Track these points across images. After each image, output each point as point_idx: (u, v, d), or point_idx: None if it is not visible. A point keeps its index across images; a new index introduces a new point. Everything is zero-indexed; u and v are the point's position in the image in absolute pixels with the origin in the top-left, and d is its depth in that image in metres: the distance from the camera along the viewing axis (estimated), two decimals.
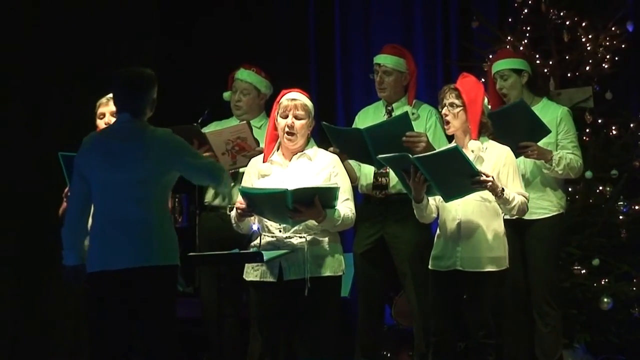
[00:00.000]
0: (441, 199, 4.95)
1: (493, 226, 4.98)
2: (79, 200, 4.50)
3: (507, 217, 5.11)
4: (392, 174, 5.27)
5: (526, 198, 4.99)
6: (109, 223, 4.39)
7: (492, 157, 5.00)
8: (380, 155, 4.90)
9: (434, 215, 5.07)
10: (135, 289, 4.36)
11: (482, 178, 4.77)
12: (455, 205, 4.96)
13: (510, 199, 4.89)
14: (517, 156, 5.33)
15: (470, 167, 4.74)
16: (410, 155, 4.77)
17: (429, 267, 5.10)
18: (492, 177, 4.81)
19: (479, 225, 4.96)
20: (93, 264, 4.42)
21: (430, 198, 4.97)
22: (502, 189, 4.86)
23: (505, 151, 5.05)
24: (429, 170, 4.75)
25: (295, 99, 4.94)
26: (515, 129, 5.27)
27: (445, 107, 5.03)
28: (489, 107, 5.11)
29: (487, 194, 4.90)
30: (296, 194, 4.64)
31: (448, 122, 5.04)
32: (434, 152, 4.85)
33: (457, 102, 5.00)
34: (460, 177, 4.77)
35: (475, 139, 4.99)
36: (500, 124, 5.23)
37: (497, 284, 5.01)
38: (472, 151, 4.97)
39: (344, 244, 5.05)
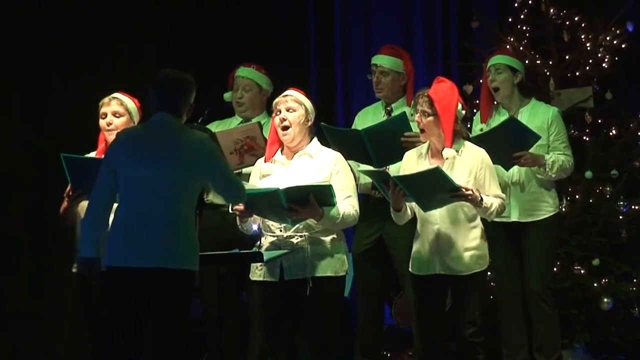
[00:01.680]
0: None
1: (472, 228, 5.00)
2: (103, 195, 4.45)
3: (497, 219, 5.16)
4: (391, 173, 5.27)
5: (503, 199, 5.02)
6: (134, 220, 4.35)
7: (469, 161, 4.98)
8: (361, 169, 4.92)
9: (410, 217, 5.09)
10: (153, 289, 4.32)
11: (461, 192, 4.77)
12: (433, 211, 4.96)
13: (489, 206, 4.89)
14: (510, 167, 5.36)
15: (450, 183, 4.75)
16: (390, 174, 4.80)
17: (409, 269, 5.11)
18: (472, 190, 4.80)
19: (459, 230, 4.97)
20: (113, 258, 4.37)
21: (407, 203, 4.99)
22: (481, 198, 4.86)
23: (482, 154, 5.04)
24: (408, 187, 4.77)
25: (286, 94, 4.98)
26: (505, 143, 5.29)
27: (418, 115, 5.00)
28: (463, 112, 5.07)
29: None
30: (288, 193, 4.65)
31: (423, 130, 5.00)
32: (414, 173, 4.86)
33: (428, 110, 4.95)
34: (439, 192, 4.79)
35: (449, 147, 4.96)
36: (488, 142, 5.22)
37: (482, 283, 5.06)
38: (447, 159, 4.95)
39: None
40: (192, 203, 4.46)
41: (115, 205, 4.48)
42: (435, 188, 4.77)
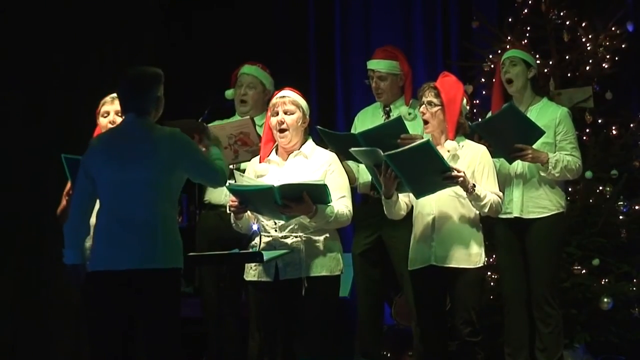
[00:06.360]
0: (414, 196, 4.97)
1: (468, 223, 5.01)
2: (82, 199, 4.46)
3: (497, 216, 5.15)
4: None
5: (500, 198, 5.02)
6: (115, 223, 4.36)
7: (468, 155, 5.02)
8: (352, 149, 4.90)
9: (404, 213, 5.09)
10: (139, 290, 4.33)
11: (453, 173, 4.77)
12: (430, 200, 4.97)
13: (481, 196, 4.91)
14: (512, 161, 5.34)
15: (441, 162, 4.75)
16: (381, 152, 4.76)
17: (408, 268, 5.13)
18: (464, 173, 4.82)
19: (454, 222, 4.99)
20: (97, 262, 4.38)
21: (402, 195, 4.99)
22: (473, 185, 4.87)
23: (482, 150, 5.08)
24: (399, 167, 4.74)
25: (283, 95, 4.96)
26: (507, 134, 5.25)
27: (423, 106, 5.03)
28: (467, 107, 5.13)
29: (461, 190, 4.91)
30: (283, 190, 4.64)
31: (426, 122, 5.04)
32: (404, 148, 4.81)
33: (435, 100, 5.01)
34: (431, 173, 4.78)
35: (452, 139, 4.99)
36: (490, 132, 5.21)
37: (477, 282, 5.04)
38: (448, 150, 4.98)
39: (343, 244, 5.02)
40: (172, 202, 4.46)
41: (96, 209, 4.49)
42: (427, 168, 4.75)
